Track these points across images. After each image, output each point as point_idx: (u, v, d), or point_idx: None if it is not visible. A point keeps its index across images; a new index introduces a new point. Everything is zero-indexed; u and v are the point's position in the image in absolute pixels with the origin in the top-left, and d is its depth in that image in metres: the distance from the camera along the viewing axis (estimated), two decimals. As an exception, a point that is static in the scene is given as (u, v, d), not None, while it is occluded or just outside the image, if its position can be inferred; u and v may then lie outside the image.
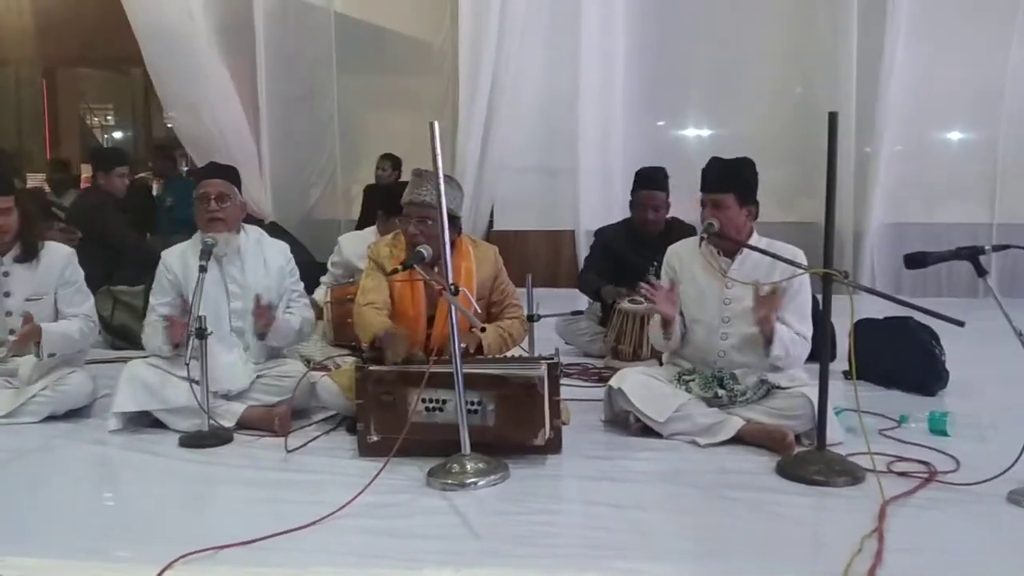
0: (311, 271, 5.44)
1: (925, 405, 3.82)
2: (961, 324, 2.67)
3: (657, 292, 3.42)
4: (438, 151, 2.92)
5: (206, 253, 3.56)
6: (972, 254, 2.85)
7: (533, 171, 7.47)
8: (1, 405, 3.70)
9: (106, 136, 22.37)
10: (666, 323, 3.45)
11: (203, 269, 3.50)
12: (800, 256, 3.39)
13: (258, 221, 7.14)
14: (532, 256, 7.38)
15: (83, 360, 4.04)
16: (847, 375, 4.34)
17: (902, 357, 4.19)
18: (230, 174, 3.84)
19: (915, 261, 2.96)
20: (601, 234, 5.20)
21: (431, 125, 2.93)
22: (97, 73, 14.88)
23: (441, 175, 2.98)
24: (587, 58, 7.40)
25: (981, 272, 2.84)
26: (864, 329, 4.31)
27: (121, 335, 5.39)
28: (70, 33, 8.06)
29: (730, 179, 3.47)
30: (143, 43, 7.15)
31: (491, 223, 7.57)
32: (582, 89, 7.44)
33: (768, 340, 3.30)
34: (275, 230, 6.94)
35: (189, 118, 7.43)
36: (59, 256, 3.91)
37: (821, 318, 3.17)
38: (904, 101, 7.37)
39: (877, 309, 4.26)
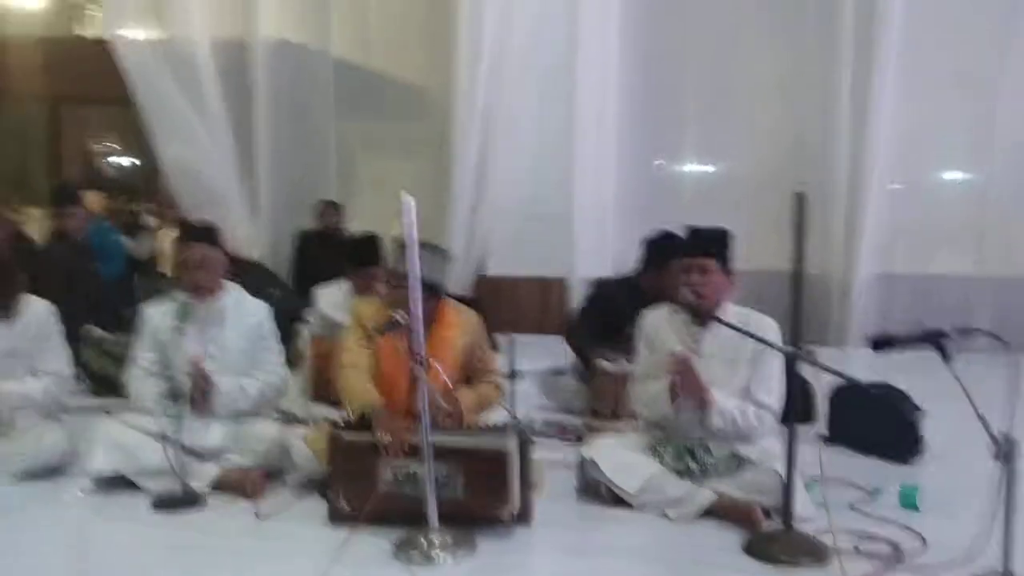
0: (298, 316, 5.48)
1: (899, 475, 3.82)
2: (918, 409, 2.67)
3: (677, 361, 3.38)
4: (413, 226, 2.95)
5: (187, 316, 3.58)
6: (936, 338, 2.86)
7: (526, 216, 7.51)
8: (-22, 462, 3.71)
9: (108, 163, 22.52)
10: (675, 394, 3.44)
11: (180, 331, 3.53)
12: (772, 330, 3.40)
13: (245, 259, 7.21)
14: (522, 303, 7.41)
15: (59, 415, 4.04)
16: (824, 439, 4.38)
17: (878, 423, 4.19)
18: (211, 235, 3.85)
19: (881, 344, 2.98)
20: (604, 287, 5.13)
21: (404, 197, 2.95)
22: (100, 108, 15.02)
23: (415, 252, 3.00)
24: (581, 104, 7.46)
25: (946, 357, 2.85)
26: (843, 394, 4.35)
27: (102, 383, 5.38)
28: (75, 72, 8.17)
29: (713, 245, 3.50)
30: (134, 84, 7.23)
31: (482, 269, 7.59)
32: (576, 135, 7.50)
33: (706, 411, 3.32)
34: (262, 273, 7.00)
35: (183, 159, 7.48)
36: (38, 312, 3.91)
37: (789, 393, 3.18)
38: (894, 150, 7.43)
39: (862, 374, 4.26)
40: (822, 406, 4.47)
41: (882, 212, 7.44)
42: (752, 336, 3.24)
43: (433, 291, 3.47)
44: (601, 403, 4.51)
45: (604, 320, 4.84)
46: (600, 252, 7.27)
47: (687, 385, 3.31)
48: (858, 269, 7.38)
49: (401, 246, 3.52)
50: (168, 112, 7.53)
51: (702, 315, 3.48)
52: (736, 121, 7.92)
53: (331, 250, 6.90)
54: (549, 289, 7.50)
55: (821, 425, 4.43)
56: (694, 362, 3.38)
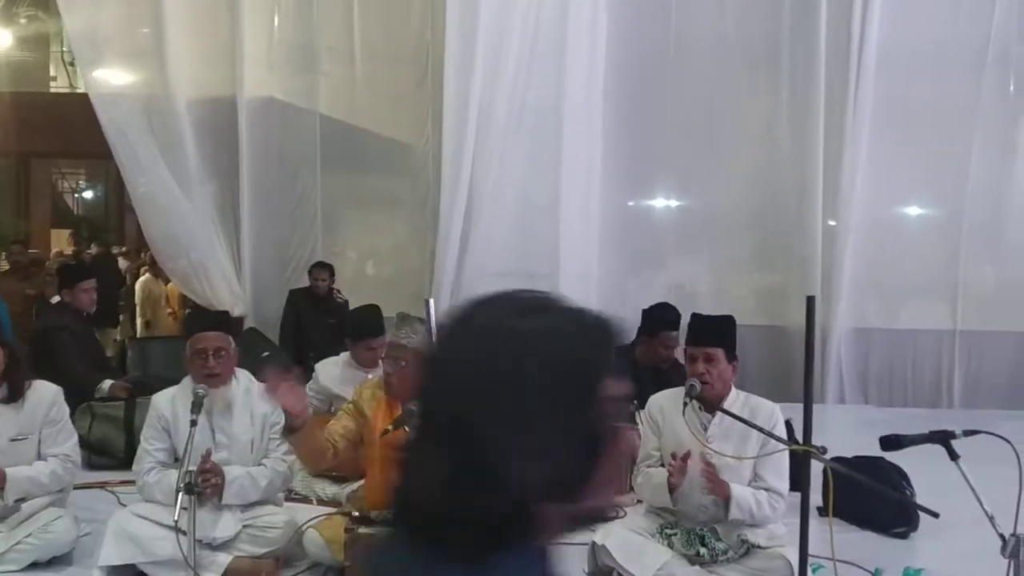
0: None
1: (899, 550, 3.93)
2: (936, 515, 2.77)
3: (677, 466, 3.45)
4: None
5: (197, 406, 3.59)
6: (944, 439, 2.97)
7: (511, 275, 7.55)
8: (-16, 552, 3.69)
9: (77, 197, 22.33)
10: (673, 488, 3.52)
11: (193, 423, 3.54)
12: (777, 415, 3.50)
13: (237, 323, 7.20)
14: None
15: (66, 501, 4.02)
16: (821, 511, 4.46)
17: (873, 498, 4.29)
18: (223, 323, 3.88)
19: (890, 444, 3.07)
20: None
21: (427, 302, 3.02)
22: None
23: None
24: (568, 163, 7.57)
25: (953, 456, 2.95)
26: (837, 470, 4.45)
27: (98, 450, 5.34)
28: (50, 127, 8.12)
29: (721, 334, 3.59)
30: (111, 139, 7.21)
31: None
32: (564, 194, 7.60)
33: (725, 504, 3.40)
34: (253, 336, 7.00)
35: (162, 215, 7.46)
36: (45, 395, 3.91)
37: (801, 494, 3.26)
38: (868, 202, 7.62)
39: (850, 448, 4.37)
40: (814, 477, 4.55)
41: (858, 264, 7.61)
42: (761, 430, 3.34)
43: None
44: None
45: None
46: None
47: (710, 485, 3.37)
48: (836, 324, 7.54)
49: (402, 318, 3.59)
50: (146, 169, 7.50)
51: (709, 403, 3.57)
52: (715, 167, 8.11)
53: (322, 312, 6.94)
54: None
55: (816, 497, 4.52)
56: (704, 453, 3.46)
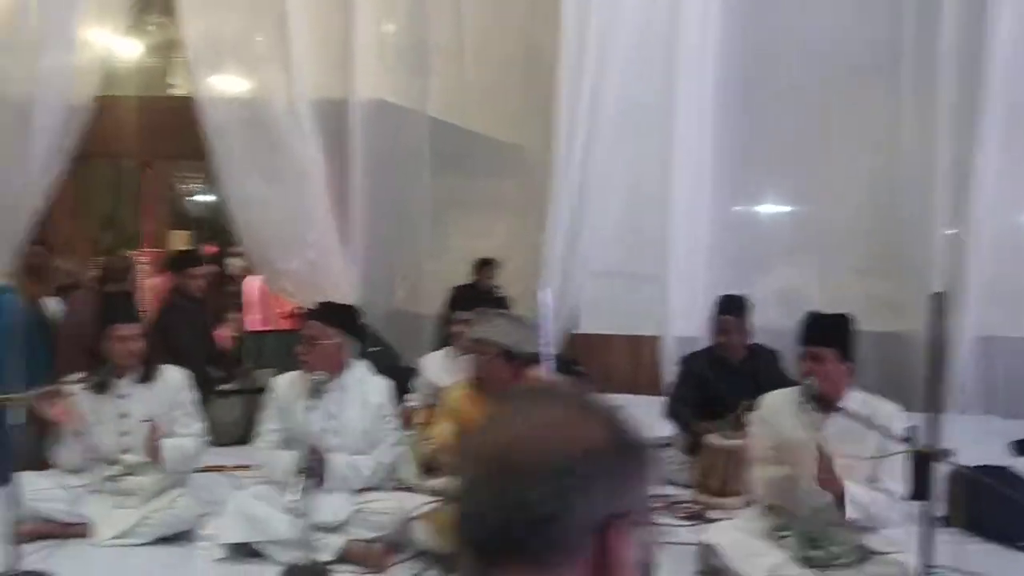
0: (398, 374, 5.58)
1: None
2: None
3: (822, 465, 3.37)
4: (549, 319, 3.02)
5: (316, 392, 3.70)
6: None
7: (619, 276, 7.53)
8: (114, 525, 3.88)
9: (194, 201, 23.21)
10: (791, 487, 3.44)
11: (311, 408, 3.65)
12: (895, 417, 3.38)
13: (361, 326, 7.35)
14: (614, 360, 7.42)
15: (188, 479, 4.20)
16: (945, 521, 4.29)
17: (1000, 508, 4.10)
18: (328, 316, 3.97)
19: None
20: (686, 362, 5.29)
21: (541, 294, 3.04)
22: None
23: (549, 335, 3.07)
24: (677, 164, 7.48)
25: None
26: (960, 476, 4.27)
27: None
28: (169, 130, 8.48)
29: (828, 333, 3.50)
30: (217, 147, 7.42)
31: (576, 326, 7.63)
32: (672, 191, 7.51)
33: (839, 502, 3.29)
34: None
35: (268, 219, 7.67)
36: (175, 379, 4.12)
37: (923, 498, 3.15)
38: (996, 208, 7.28)
39: (974, 459, 4.18)
40: (939, 486, 4.38)
41: (984, 271, 7.28)
42: (877, 429, 3.23)
43: (513, 358, 3.54)
44: (710, 478, 4.51)
45: (698, 394, 4.92)
46: (693, 310, 7.24)
47: (823, 478, 3.29)
48: (960, 333, 7.23)
49: (480, 315, 3.64)
50: (259, 172, 7.71)
51: (823, 403, 3.48)
52: (830, 172, 7.89)
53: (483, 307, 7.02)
54: (641, 347, 7.50)
55: (938, 506, 4.34)
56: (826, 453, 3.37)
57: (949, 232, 7.35)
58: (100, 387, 3.98)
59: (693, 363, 5.16)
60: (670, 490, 4.78)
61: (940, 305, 2.94)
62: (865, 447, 3.42)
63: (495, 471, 0.88)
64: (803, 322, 3.59)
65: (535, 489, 0.85)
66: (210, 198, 22.92)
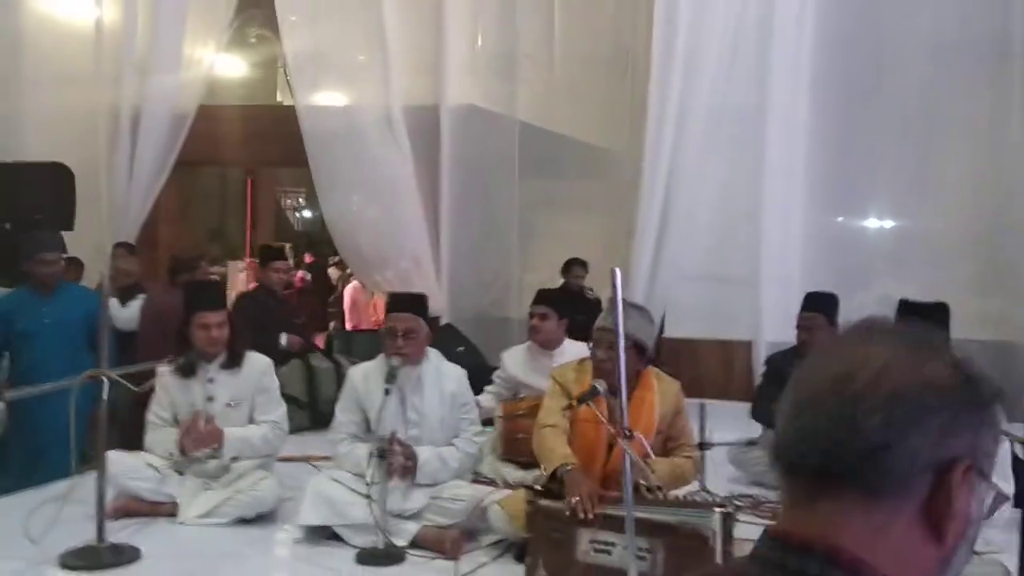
0: (483, 374, 5.60)
1: None
2: None
3: None
4: (620, 298, 2.96)
5: (391, 377, 3.73)
6: None
7: (708, 280, 7.39)
8: (199, 505, 3.98)
9: (298, 216, 24.01)
10: None
11: (387, 392, 3.68)
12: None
13: (434, 319, 7.46)
14: (703, 365, 7.27)
15: (273, 464, 4.28)
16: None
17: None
18: (418, 305, 4.01)
19: None
20: (772, 361, 5.19)
21: (613, 272, 2.98)
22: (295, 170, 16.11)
23: (622, 327, 3.00)
24: (770, 171, 7.32)
25: None
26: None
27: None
28: (273, 139, 8.74)
29: (927, 320, 3.34)
30: (315, 157, 7.66)
31: (662, 330, 7.52)
32: (765, 197, 7.35)
33: None
34: (450, 332, 7.21)
35: (365, 229, 7.84)
36: (259, 365, 4.22)
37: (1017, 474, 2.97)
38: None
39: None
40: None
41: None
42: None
43: (643, 351, 3.50)
44: None
45: (781, 389, 4.74)
46: (787, 315, 7.03)
47: None
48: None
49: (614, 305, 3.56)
50: (356, 182, 7.90)
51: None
52: (933, 179, 7.58)
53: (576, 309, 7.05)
54: (732, 352, 7.33)
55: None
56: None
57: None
58: (187, 371, 4.09)
59: (780, 362, 5.02)
60: (756, 491, 4.65)
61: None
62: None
63: (829, 395, 0.87)
64: (899, 310, 3.45)
65: (870, 415, 0.83)
66: (312, 213, 23.71)
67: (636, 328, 3.46)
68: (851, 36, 7.64)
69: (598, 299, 7.01)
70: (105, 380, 3.47)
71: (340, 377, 5.43)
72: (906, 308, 3.43)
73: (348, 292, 11.75)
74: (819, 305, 4.83)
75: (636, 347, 3.48)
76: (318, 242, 19.35)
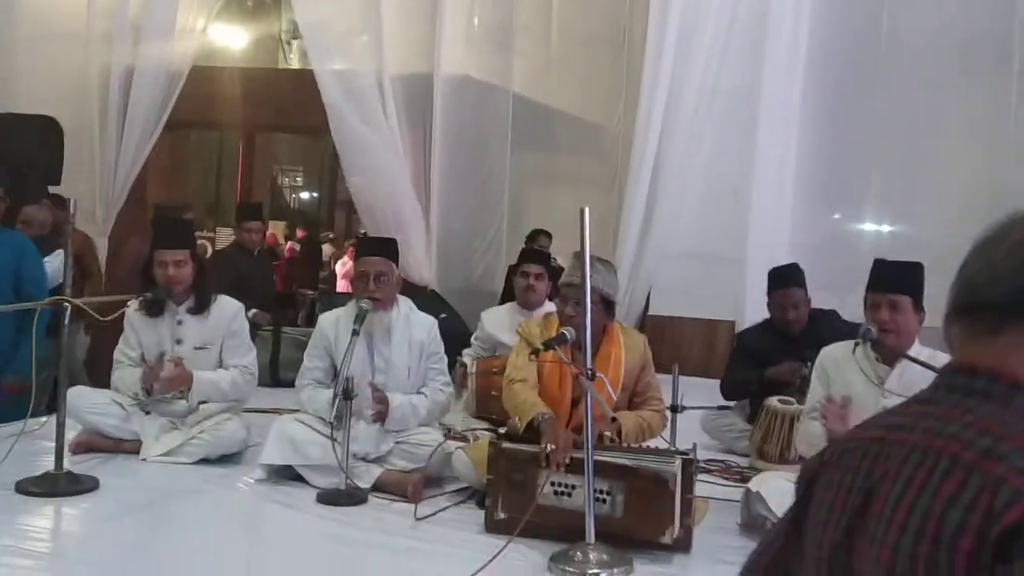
0: (464, 340, 5.58)
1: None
2: None
3: (831, 409, 3.25)
4: (586, 236, 2.94)
5: (360, 317, 3.70)
6: None
7: (695, 259, 7.35)
8: (163, 443, 3.96)
9: (294, 196, 24.00)
10: (832, 435, 3.29)
11: (356, 332, 3.64)
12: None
13: (420, 288, 7.43)
14: (687, 343, 7.23)
15: (240, 409, 4.25)
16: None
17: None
18: (388, 249, 3.97)
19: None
20: (742, 338, 5.15)
21: (581, 211, 2.96)
22: (290, 137, 16.03)
23: (587, 258, 2.99)
24: (761, 153, 7.28)
25: None
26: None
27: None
28: (271, 103, 8.69)
29: (908, 281, 3.32)
30: (330, 113, 7.59)
31: (647, 307, 7.49)
32: (755, 182, 7.32)
33: None
34: (434, 299, 7.17)
35: (365, 185, 7.80)
36: (228, 309, 4.17)
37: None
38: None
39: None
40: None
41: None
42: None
43: (609, 305, 3.46)
44: (768, 443, 4.32)
45: (754, 368, 4.73)
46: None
47: None
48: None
49: (577, 258, 3.52)
50: (357, 143, 7.85)
51: (888, 354, 3.29)
52: (928, 173, 7.52)
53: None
54: (716, 331, 7.30)
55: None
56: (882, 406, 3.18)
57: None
58: (153, 309, 4.05)
59: (748, 339, 5.00)
60: (727, 456, 4.63)
61: None
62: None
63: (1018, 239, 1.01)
64: (875, 269, 3.40)
65: None
66: (309, 194, 23.67)
67: (603, 282, 3.42)
68: (848, 25, 7.59)
69: (563, 268, 6.99)
70: (68, 307, 3.43)
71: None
72: (881, 267, 3.39)
73: (340, 266, 11.78)
74: (797, 279, 4.77)
75: (603, 301, 3.44)
76: (314, 222, 19.40)
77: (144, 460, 3.91)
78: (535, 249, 5.43)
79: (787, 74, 7.41)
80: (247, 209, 7.14)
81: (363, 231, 8.92)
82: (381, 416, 3.78)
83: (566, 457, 3.09)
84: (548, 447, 3.13)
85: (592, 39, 8.02)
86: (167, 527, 3.22)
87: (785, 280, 4.76)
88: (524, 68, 8.04)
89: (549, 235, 7.42)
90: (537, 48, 8.05)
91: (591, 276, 3.31)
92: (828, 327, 4.41)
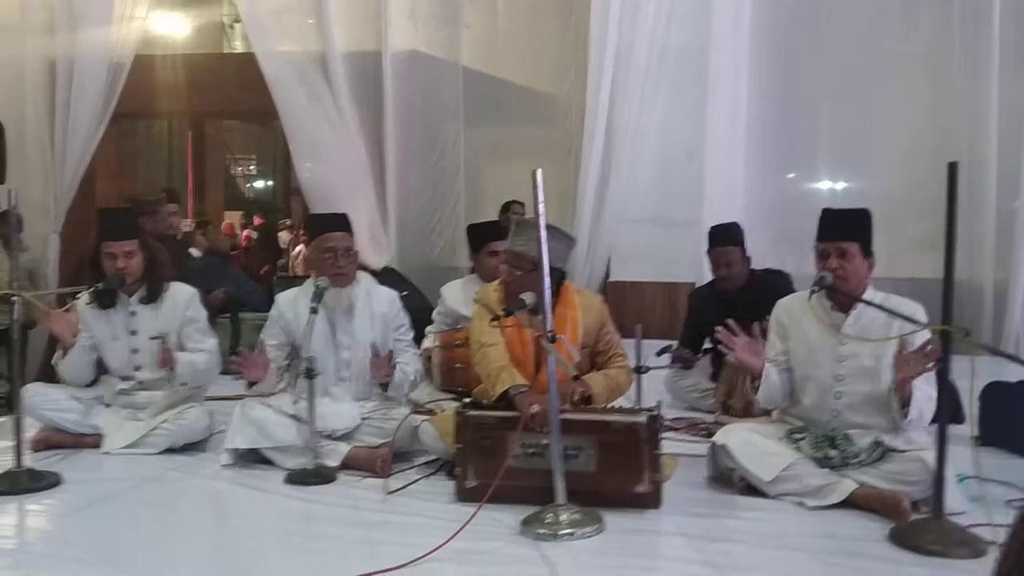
0: (426, 316, 5.55)
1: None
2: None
3: (735, 340, 3.29)
4: (540, 199, 2.94)
5: (317, 296, 3.67)
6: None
7: (652, 223, 7.38)
8: (125, 435, 3.91)
9: (248, 185, 23.71)
10: (753, 375, 3.34)
11: (314, 311, 3.62)
12: (920, 312, 3.22)
13: (384, 268, 7.38)
14: (648, 307, 7.27)
15: (203, 396, 4.21)
16: (977, 440, 4.09)
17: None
18: (347, 224, 3.96)
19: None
20: (691, 298, 5.24)
21: (533, 173, 2.95)
22: (241, 125, 15.80)
23: (544, 224, 2.98)
24: (712, 112, 7.31)
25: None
26: (995, 392, 4.07)
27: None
28: (217, 89, 8.54)
29: (855, 227, 3.35)
30: (275, 96, 7.50)
31: (608, 274, 7.52)
32: (707, 142, 7.35)
33: (905, 403, 3.13)
34: (392, 276, 7.13)
35: (318, 168, 7.72)
36: (182, 296, 4.10)
37: (940, 377, 2.99)
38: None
39: (1013, 371, 3.98)
40: (971, 406, 4.18)
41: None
42: (898, 315, 3.08)
43: (554, 271, 3.45)
44: (732, 398, 4.37)
45: (699, 328, 4.78)
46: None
47: (902, 377, 3.12)
48: (1015, 278, 6.94)
49: (519, 224, 3.52)
50: (305, 125, 7.76)
51: (842, 300, 3.33)
52: (875, 132, 7.60)
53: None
54: (676, 294, 7.32)
55: (972, 427, 4.15)
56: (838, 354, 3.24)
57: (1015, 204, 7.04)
58: (103, 301, 3.98)
59: (698, 298, 5.07)
60: (692, 414, 4.68)
61: (954, 175, 2.76)
62: (888, 345, 3.25)
63: None
64: (823, 218, 3.43)
65: None
66: (264, 182, 23.39)
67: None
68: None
69: None
70: (16, 300, 3.36)
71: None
72: (828, 215, 3.41)
73: (295, 253, 11.69)
74: (731, 238, 4.81)
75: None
76: (271, 211, 19.21)
77: (107, 453, 3.86)
78: (494, 224, 5.38)
79: (734, 32, 7.42)
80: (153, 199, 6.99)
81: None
82: (387, 380, 3.76)
83: (546, 424, 3.09)
84: (533, 408, 3.13)
85: (538, 7, 7.97)
86: (133, 517, 3.18)
87: (719, 238, 4.84)
88: (472, 41, 7.98)
89: (522, 204, 7.40)
90: (484, 20, 7.99)
91: (528, 244, 3.32)
92: (769, 288, 4.42)
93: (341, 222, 3.99)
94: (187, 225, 6.82)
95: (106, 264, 3.91)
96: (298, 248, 11.72)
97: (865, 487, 3.15)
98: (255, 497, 3.37)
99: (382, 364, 3.72)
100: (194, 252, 6.55)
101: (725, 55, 7.37)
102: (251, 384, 3.74)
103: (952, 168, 2.78)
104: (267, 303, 6.52)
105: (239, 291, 6.84)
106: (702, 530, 3.00)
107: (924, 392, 3.15)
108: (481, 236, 5.06)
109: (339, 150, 7.72)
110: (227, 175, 19.06)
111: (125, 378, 4.04)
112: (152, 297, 4.04)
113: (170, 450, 3.90)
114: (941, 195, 2.85)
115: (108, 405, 4.01)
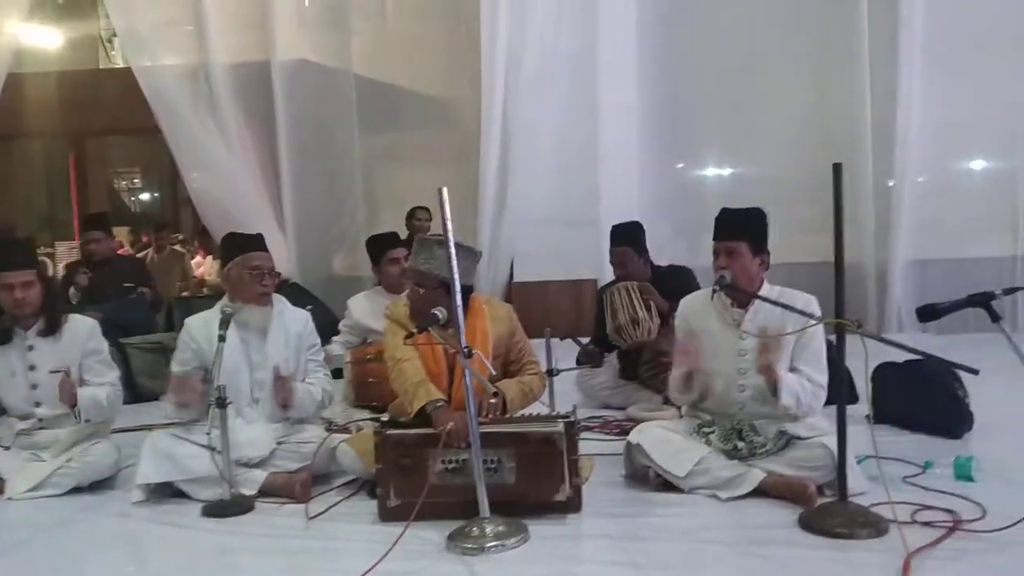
0: (332, 329, 5.50)
1: (951, 449, 3.77)
2: (975, 372, 2.64)
3: (690, 355, 3.42)
4: (447, 217, 2.96)
5: (225, 322, 3.60)
6: (984, 300, 2.83)
7: (552, 222, 7.51)
8: (27, 479, 3.74)
9: (133, 199, 22.85)
10: (689, 377, 3.45)
11: (222, 339, 3.55)
12: (813, 304, 3.38)
13: (283, 281, 7.26)
14: (554, 306, 7.38)
15: (108, 430, 4.08)
16: (870, 419, 4.31)
17: (925, 400, 4.14)
18: (265, 243, 3.92)
19: (927, 314, 2.96)
20: (600, 293, 5.30)
21: (439, 191, 2.97)
22: (125, 139, 15.27)
23: (451, 240, 3.01)
24: (605, 110, 7.47)
25: (995, 318, 2.83)
26: (885, 373, 4.29)
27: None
28: (97, 105, 8.25)
29: (742, 227, 3.48)
30: (157, 111, 7.32)
31: (511, 276, 7.60)
32: (601, 141, 7.51)
33: (773, 390, 3.28)
34: (295, 290, 7.04)
35: (207, 182, 7.57)
36: (82, 328, 3.95)
37: (835, 366, 3.15)
38: (924, 136, 7.37)
39: (898, 353, 4.20)
40: (865, 386, 4.41)
41: (914, 205, 7.38)
42: (793, 309, 3.22)
43: (449, 289, 3.47)
44: (619, 319, 4.55)
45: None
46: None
47: (763, 365, 3.27)
48: (893, 257, 7.32)
49: (421, 242, 3.54)
50: (191, 139, 7.59)
51: (740, 297, 3.46)
52: (760, 123, 7.90)
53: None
54: (581, 290, 7.47)
55: (865, 406, 4.36)
56: (739, 348, 3.36)
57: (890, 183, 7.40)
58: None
59: (600, 295, 5.17)
60: (604, 412, 4.78)
61: (839, 176, 2.91)
62: (784, 338, 3.40)
63: None
64: (717, 218, 3.56)
65: None
66: (150, 195, 22.60)
67: (440, 268, 3.35)
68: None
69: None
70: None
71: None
72: (724, 217, 3.54)
73: (196, 262, 11.36)
74: (626, 238, 4.93)
75: (443, 285, 3.35)
76: (163, 225, 18.61)
77: (9, 499, 3.70)
78: (391, 234, 5.40)
79: (622, 33, 7.60)
80: (88, 220, 6.96)
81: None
82: (286, 403, 3.74)
83: (464, 439, 3.12)
84: (448, 425, 3.16)
85: (426, 12, 8.00)
86: (43, 565, 3.07)
87: (615, 238, 4.97)
88: (362, 47, 7.96)
89: (426, 209, 7.41)
90: (373, 25, 7.97)
91: (429, 262, 3.36)
92: (672, 284, 4.57)
93: (259, 241, 3.95)
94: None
95: (3, 296, 3.75)
96: (193, 261, 11.38)
97: (773, 475, 3.29)
98: (171, 534, 3.29)
99: (280, 387, 3.71)
100: (72, 294, 6.26)
101: (616, 55, 7.55)
102: (181, 407, 3.64)
103: (837, 169, 2.93)
104: (154, 326, 6.46)
105: (121, 315, 6.55)
106: (623, 530, 3.09)
107: (800, 380, 3.31)
108: (379, 247, 5.09)
109: (228, 162, 7.58)
110: (111, 190, 18.36)
111: (24, 417, 3.88)
112: (51, 329, 3.88)
113: (76, 490, 3.76)
114: (826, 178, 2.97)
115: (7, 448, 3.85)
